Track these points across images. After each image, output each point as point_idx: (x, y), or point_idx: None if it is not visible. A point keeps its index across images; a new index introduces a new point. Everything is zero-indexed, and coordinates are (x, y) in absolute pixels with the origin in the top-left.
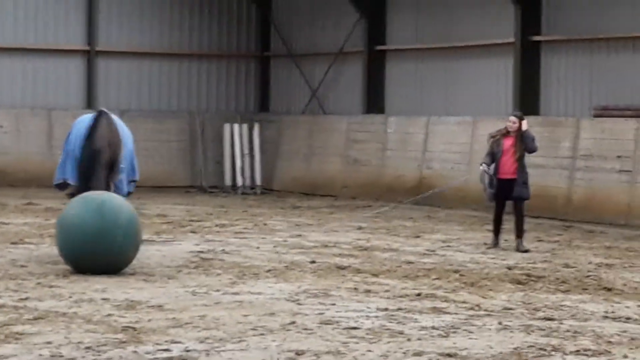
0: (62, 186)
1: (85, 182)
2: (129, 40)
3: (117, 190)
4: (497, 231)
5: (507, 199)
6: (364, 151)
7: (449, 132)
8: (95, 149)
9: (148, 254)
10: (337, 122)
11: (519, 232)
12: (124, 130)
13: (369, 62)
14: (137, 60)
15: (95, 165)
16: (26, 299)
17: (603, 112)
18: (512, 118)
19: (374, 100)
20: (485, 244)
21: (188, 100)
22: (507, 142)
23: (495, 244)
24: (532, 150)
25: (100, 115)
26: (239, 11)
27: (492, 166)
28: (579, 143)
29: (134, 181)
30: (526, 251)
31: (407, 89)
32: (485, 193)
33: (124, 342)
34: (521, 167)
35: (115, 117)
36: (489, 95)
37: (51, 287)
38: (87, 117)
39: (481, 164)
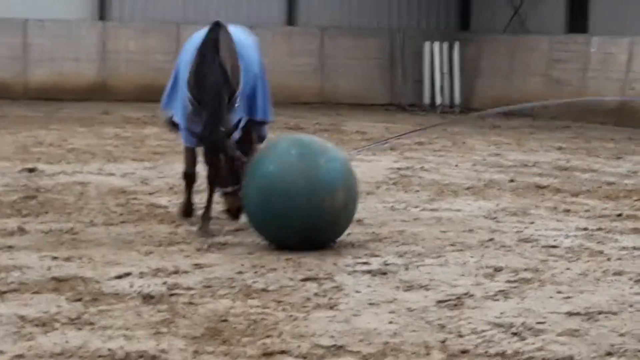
0: (172, 124)
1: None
2: None
3: None
4: None
5: None
6: (566, 71)
7: None
8: (210, 85)
9: None
10: (538, 42)
11: None
12: (245, 49)
13: None
14: None
15: (212, 107)
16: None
17: None
18: None
19: (577, 20)
20: None
21: (389, 17)
22: None
23: None
24: None
25: (214, 30)
26: None
27: None
28: None
29: (263, 123)
30: None
31: (611, 8)
32: None
33: (323, 255)
34: None
35: (236, 31)
36: None
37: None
38: (200, 35)
39: None
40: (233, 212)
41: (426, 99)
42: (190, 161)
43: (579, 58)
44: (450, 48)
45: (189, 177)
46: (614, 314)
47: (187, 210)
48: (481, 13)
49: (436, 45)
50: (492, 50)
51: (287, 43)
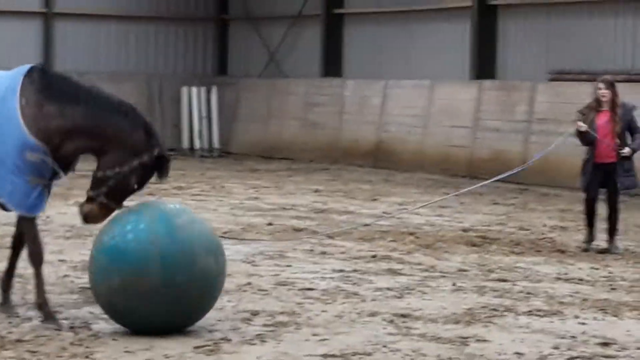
0: None
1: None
2: (87, 3)
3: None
4: (592, 224)
5: (603, 187)
6: (322, 114)
7: (406, 95)
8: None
9: None
10: (295, 85)
11: (613, 230)
12: None
13: (327, 26)
14: (95, 23)
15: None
16: None
17: (559, 76)
18: (600, 84)
19: (332, 64)
20: (581, 243)
21: (146, 63)
22: (602, 118)
23: (591, 239)
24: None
25: (45, 69)
26: None
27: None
28: (534, 107)
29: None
30: (620, 253)
31: (365, 52)
32: (580, 180)
33: (80, 302)
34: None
35: None
36: (447, 59)
37: (7, 248)
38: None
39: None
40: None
41: (185, 143)
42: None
43: (335, 101)
44: (208, 92)
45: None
46: (369, 354)
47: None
48: (238, 58)
49: (194, 89)
50: (249, 94)
51: None
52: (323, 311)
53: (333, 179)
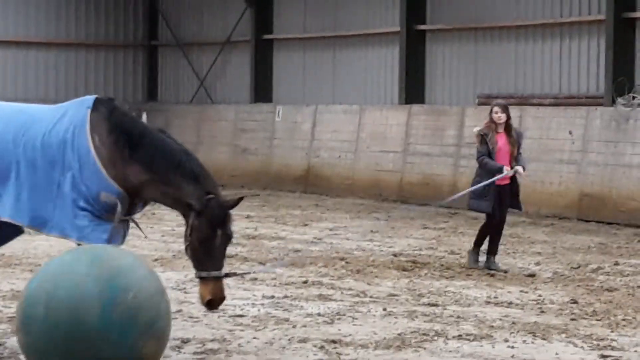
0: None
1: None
2: (14, 29)
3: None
4: (480, 246)
5: (500, 208)
6: (252, 140)
7: (336, 120)
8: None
9: (35, 244)
10: (225, 111)
11: (495, 249)
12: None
13: (256, 51)
14: (22, 50)
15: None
16: None
17: (487, 100)
18: (496, 108)
19: (262, 89)
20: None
21: (75, 89)
22: (500, 140)
23: (477, 260)
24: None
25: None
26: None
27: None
28: (463, 131)
29: None
30: (505, 272)
31: (295, 77)
32: (478, 201)
33: (10, 332)
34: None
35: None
36: (375, 84)
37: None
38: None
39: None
40: (217, 302)
41: None
42: None
43: (265, 127)
44: (138, 118)
45: None
46: None
47: None
48: (168, 84)
49: None
50: (179, 120)
51: None
52: (254, 338)
53: (264, 205)
